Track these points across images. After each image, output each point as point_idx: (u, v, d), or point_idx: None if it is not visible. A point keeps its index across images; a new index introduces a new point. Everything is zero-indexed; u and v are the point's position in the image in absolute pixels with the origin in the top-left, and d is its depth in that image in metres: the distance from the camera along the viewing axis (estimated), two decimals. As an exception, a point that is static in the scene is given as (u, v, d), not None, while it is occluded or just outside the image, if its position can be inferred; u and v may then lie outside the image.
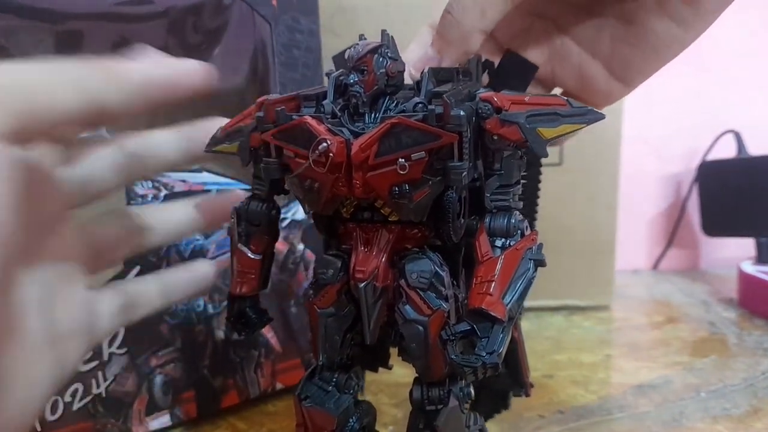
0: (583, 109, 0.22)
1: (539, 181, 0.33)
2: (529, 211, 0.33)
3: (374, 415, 0.29)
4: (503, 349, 0.22)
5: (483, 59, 0.30)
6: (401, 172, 0.22)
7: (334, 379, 0.27)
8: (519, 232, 0.23)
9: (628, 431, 0.39)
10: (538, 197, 0.33)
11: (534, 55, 0.33)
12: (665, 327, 0.61)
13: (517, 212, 0.24)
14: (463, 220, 0.24)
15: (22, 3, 0.32)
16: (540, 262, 0.23)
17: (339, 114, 0.24)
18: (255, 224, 0.28)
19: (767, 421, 0.41)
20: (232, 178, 0.41)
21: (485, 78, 0.31)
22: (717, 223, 0.76)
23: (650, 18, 0.30)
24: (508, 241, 0.23)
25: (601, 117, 0.22)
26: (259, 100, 0.25)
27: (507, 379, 0.32)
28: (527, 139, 0.22)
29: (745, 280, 0.65)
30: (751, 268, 0.65)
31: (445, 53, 0.29)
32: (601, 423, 0.40)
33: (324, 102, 0.24)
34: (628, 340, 0.57)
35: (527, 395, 0.33)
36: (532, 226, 0.30)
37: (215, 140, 0.28)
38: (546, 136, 0.22)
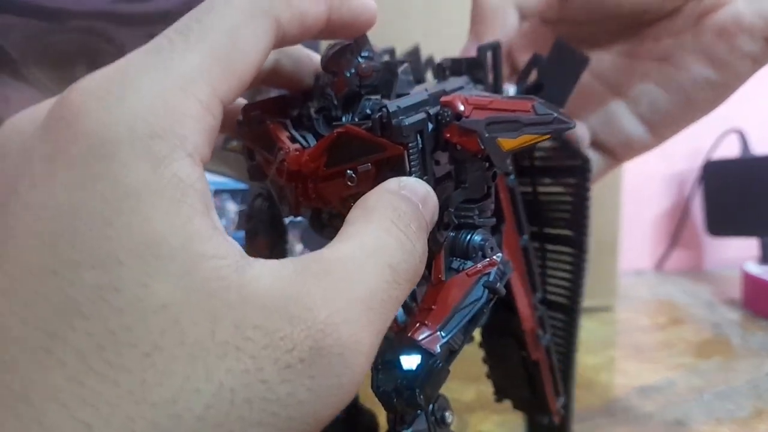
0: (549, 117, 0.19)
1: (586, 194, 0.29)
2: (579, 235, 0.30)
3: (375, 423, 0.28)
4: (431, 385, 0.19)
5: (532, 55, 0.28)
6: (350, 184, 0.20)
7: None
8: (480, 253, 0.21)
9: (631, 434, 0.39)
10: (586, 215, 0.29)
11: None
12: (669, 328, 0.60)
13: (483, 230, 0.22)
14: (444, 233, 0.22)
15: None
16: (493, 290, 0.20)
17: (314, 117, 0.23)
18: (260, 223, 0.27)
19: (772, 423, 0.40)
20: (236, 179, 0.41)
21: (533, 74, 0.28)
22: (721, 223, 0.75)
23: (685, 56, 0.29)
24: (463, 264, 0.21)
25: (568, 126, 0.20)
26: (244, 106, 0.24)
27: (530, 404, 0.31)
28: (486, 151, 0.20)
29: (749, 280, 0.65)
30: (755, 269, 0.65)
31: (481, 37, 0.28)
32: (604, 425, 0.40)
33: (309, 103, 0.24)
34: (631, 341, 0.57)
35: (552, 422, 0.31)
36: (582, 245, 0.28)
37: (227, 139, 0.28)
38: (505, 148, 0.20)
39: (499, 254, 0.21)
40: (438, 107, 0.20)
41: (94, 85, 0.15)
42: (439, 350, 0.19)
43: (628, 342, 0.57)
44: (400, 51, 0.30)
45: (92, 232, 0.14)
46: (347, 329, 0.15)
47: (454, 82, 0.24)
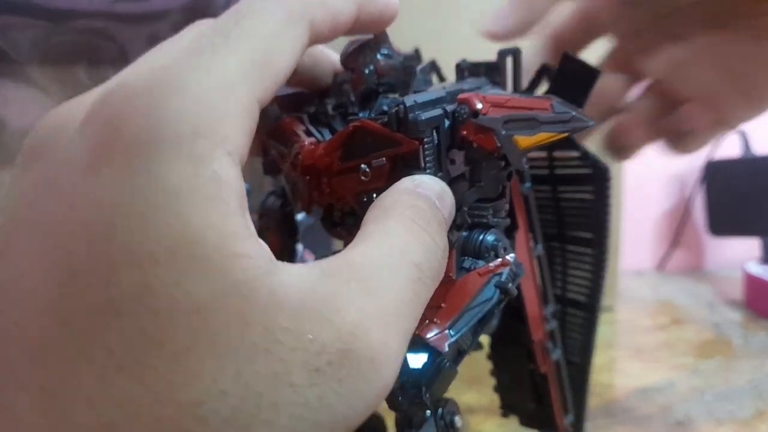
0: (567, 115, 0.19)
1: (606, 201, 0.28)
2: (599, 238, 0.29)
3: (383, 426, 0.28)
4: (438, 385, 0.19)
5: (543, 65, 0.28)
6: (363, 179, 0.20)
7: None
8: (492, 253, 0.21)
9: (632, 434, 0.39)
10: (606, 219, 0.29)
11: (652, 63, 0.32)
12: (670, 328, 0.60)
13: (496, 231, 0.21)
14: (456, 233, 0.21)
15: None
16: (505, 290, 0.20)
17: (331, 114, 0.23)
18: (271, 221, 0.27)
19: (773, 424, 0.40)
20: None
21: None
22: (722, 223, 0.75)
23: None
24: (475, 263, 0.21)
25: (586, 125, 0.20)
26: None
27: (537, 419, 0.31)
28: (503, 149, 0.20)
29: (751, 280, 0.65)
30: (756, 269, 0.65)
31: (514, 19, 0.28)
32: (605, 426, 0.40)
33: (327, 100, 0.23)
34: (632, 341, 0.57)
35: None
36: (602, 246, 0.28)
37: None
38: (522, 146, 0.19)
39: (512, 255, 0.21)
40: (455, 104, 0.20)
41: (138, 84, 0.15)
42: (447, 349, 0.19)
43: (628, 342, 0.57)
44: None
45: (130, 230, 0.14)
46: (377, 332, 0.15)
47: (472, 82, 0.24)
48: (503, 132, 0.19)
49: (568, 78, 0.26)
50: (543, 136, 0.19)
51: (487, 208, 0.21)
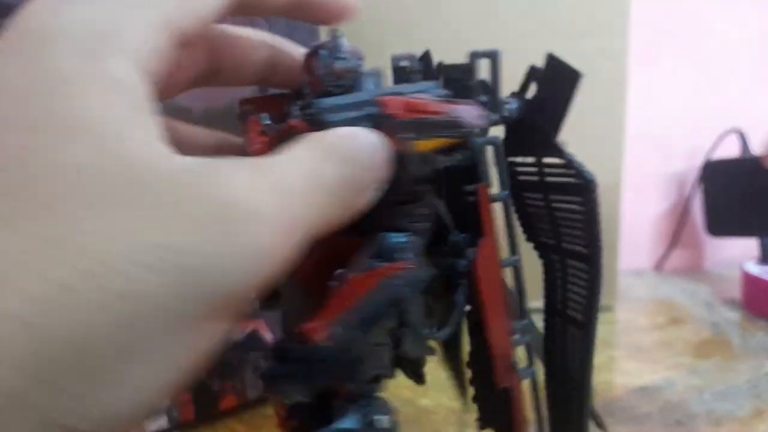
0: (455, 120, 0.20)
1: (593, 214, 0.27)
2: (593, 254, 0.27)
3: None
4: (316, 377, 0.20)
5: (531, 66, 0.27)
6: None
7: None
8: (395, 255, 0.21)
9: (631, 434, 0.39)
10: (596, 233, 0.27)
11: None
12: (668, 328, 0.60)
13: (409, 234, 0.21)
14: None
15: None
16: (394, 294, 0.20)
17: (295, 115, 0.23)
18: None
19: (772, 423, 0.40)
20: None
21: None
22: (721, 223, 0.75)
23: None
24: (377, 263, 0.21)
25: (471, 132, 0.20)
26: (240, 99, 0.24)
27: None
28: (403, 152, 0.20)
29: (749, 280, 0.65)
30: (755, 269, 0.65)
31: None
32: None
33: (297, 102, 0.24)
34: (631, 341, 0.57)
35: None
36: (596, 271, 0.26)
37: None
38: (419, 149, 0.20)
39: (413, 259, 0.21)
40: (376, 108, 0.21)
41: None
42: (329, 343, 0.19)
43: (627, 342, 0.57)
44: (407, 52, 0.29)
45: (17, 105, 0.15)
46: (258, 201, 0.15)
47: (419, 85, 0.24)
48: (402, 136, 0.20)
49: (552, 80, 0.26)
50: (438, 141, 0.20)
51: (402, 212, 0.22)
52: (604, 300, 0.65)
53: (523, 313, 0.27)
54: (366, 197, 0.19)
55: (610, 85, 0.58)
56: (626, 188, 0.63)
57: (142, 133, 0.15)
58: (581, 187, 0.27)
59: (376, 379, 0.22)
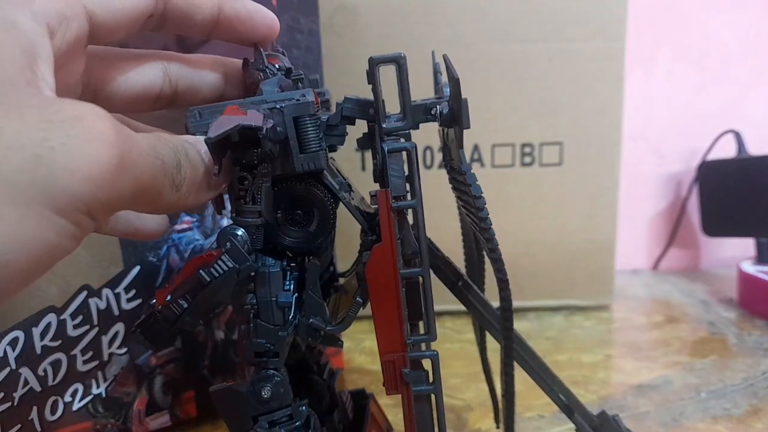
0: (241, 124, 0.22)
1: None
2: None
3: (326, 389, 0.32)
4: (153, 333, 0.25)
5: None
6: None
7: None
8: (222, 244, 0.24)
9: None
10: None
11: None
12: (665, 327, 0.61)
13: (237, 227, 0.25)
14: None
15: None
16: (203, 276, 0.24)
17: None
18: None
19: (767, 421, 0.41)
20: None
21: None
22: (717, 223, 0.76)
23: None
24: (211, 248, 0.25)
25: (258, 131, 0.23)
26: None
27: None
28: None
29: (745, 280, 0.65)
30: (751, 268, 0.65)
31: None
32: (601, 423, 0.40)
33: None
34: (628, 340, 0.58)
35: None
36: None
37: None
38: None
39: (229, 249, 0.24)
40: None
41: None
42: (166, 307, 0.24)
43: (624, 340, 0.57)
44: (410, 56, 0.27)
45: None
46: (101, 124, 0.17)
47: (290, 93, 0.25)
48: (195, 134, 0.24)
49: (452, 86, 0.25)
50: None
51: (243, 209, 0.25)
52: (600, 299, 0.65)
53: (428, 327, 0.26)
54: (187, 188, 0.22)
55: (607, 87, 0.59)
56: (623, 188, 0.63)
57: (24, 62, 0.18)
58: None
59: (264, 355, 0.26)
